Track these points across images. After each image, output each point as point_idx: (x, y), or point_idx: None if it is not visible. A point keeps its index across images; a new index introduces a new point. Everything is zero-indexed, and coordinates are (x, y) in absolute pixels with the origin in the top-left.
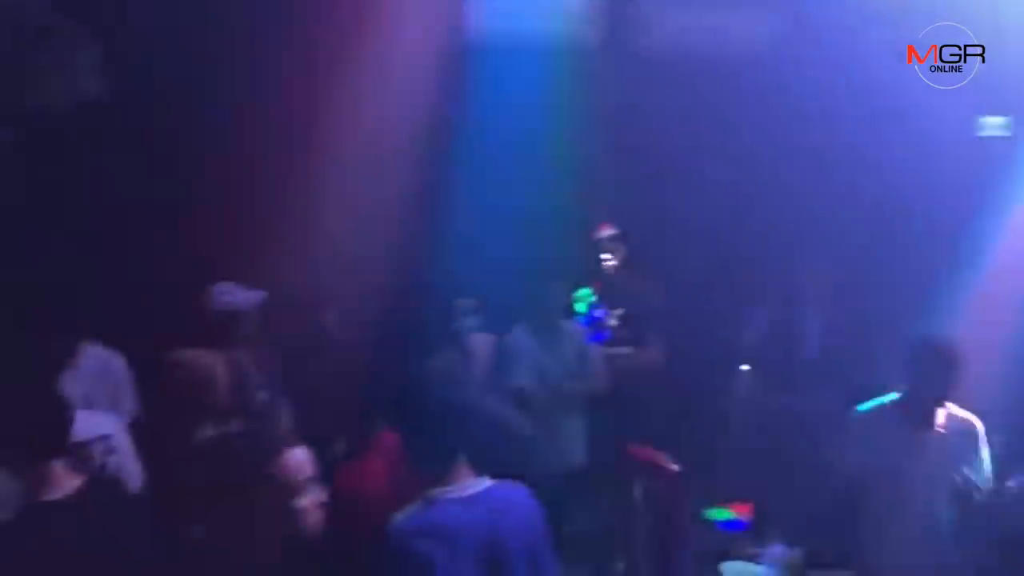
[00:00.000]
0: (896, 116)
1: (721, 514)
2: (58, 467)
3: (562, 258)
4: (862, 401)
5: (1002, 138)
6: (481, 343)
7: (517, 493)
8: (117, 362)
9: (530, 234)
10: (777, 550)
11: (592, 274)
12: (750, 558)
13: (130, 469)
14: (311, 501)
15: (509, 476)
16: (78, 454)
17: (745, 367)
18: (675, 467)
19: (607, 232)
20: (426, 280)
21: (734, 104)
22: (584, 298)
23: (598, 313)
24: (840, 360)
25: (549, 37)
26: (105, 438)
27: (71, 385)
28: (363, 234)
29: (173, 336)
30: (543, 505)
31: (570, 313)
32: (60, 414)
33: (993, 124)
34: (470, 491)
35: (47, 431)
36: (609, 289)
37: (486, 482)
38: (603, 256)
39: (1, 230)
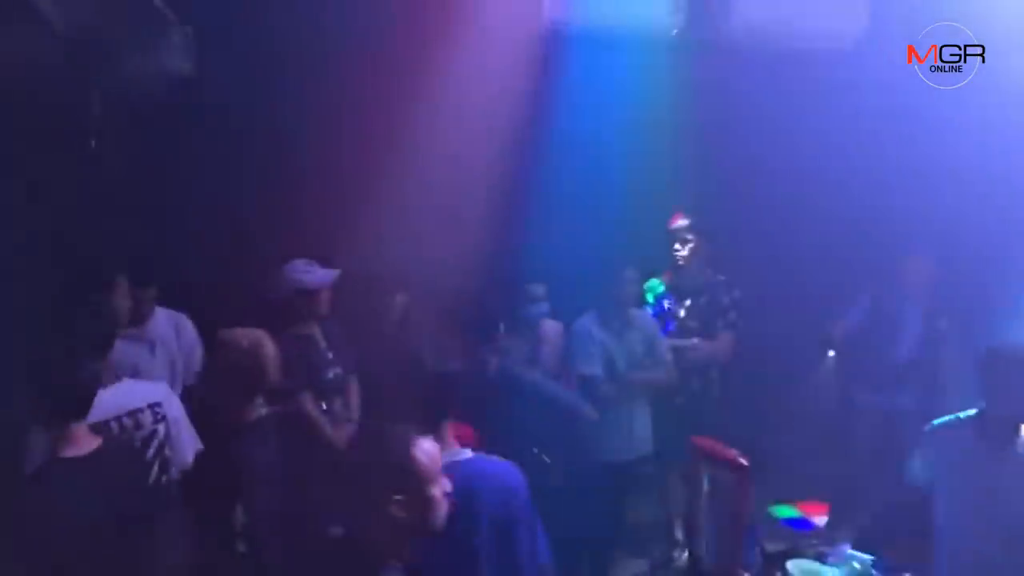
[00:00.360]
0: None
1: (788, 512)
2: (80, 429)
3: (636, 248)
4: (947, 406)
5: None
6: (551, 330)
7: (496, 466)
8: (186, 326)
9: (606, 223)
10: (845, 551)
11: (664, 264)
12: (818, 557)
13: (183, 437)
14: (440, 491)
15: (575, 462)
16: (128, 421)
17: (831, 355)
18: (743, 460)
19: (680, 222)
20: (499, 266)
21: (822, 95)
22: (653, 288)
23: (667, 304)
24: (934, 363)
25: (633, 28)
26: (155, 406)
27: (133, 347)
28: (440, 219)
29: (247, 312)
30: (608, 493)
31: (641, 303)
32: (83, 382)
33: None
34: (448, 459)
35: (69, 396)
36: (680, 280)
37: (467, 452)
38: (676, 247)
39: (90, 199)
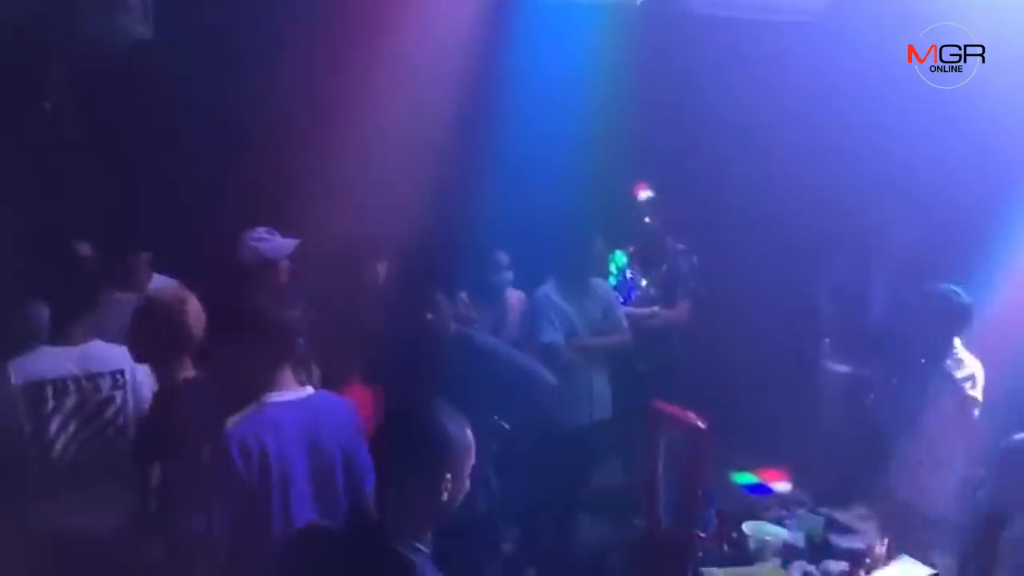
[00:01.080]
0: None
1: (748, 478)
2: None
3: (597, 217)
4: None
5: None
6: (514, 298)
7: (336, 401)
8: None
9: (566, 192)
10: (802, 514)
11: (628, 235)
12: (775, 520)
13: (140, 407)
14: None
15: (536, 427)
16: (87, 384)
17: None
18: (701, 424)
19: (644, 193)
20: (463, 234)
21: (785, 67)
22: (617, 260)
23: (629, 274)
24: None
25: None
26: (117, 373)
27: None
28: (402, 186)
29: (209, 281)
30: (569, 457)
31: (601, 271)
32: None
33: None
34: (294, 396)
35: None
36: (641, 249)
37: (309, 390)
38: (640, 217)
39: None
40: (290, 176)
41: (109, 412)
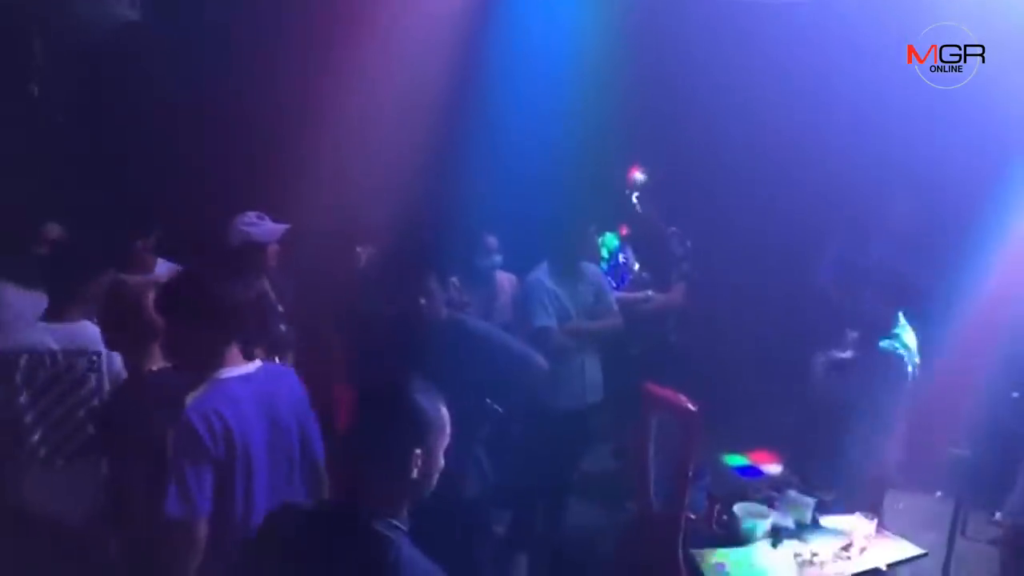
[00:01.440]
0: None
1: (739, 460)
2: None
3: (590, 202)
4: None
5: None
6: (505, 281)
7: (285, 372)
8: None
9: (558, 177)
10: (792, 495)
11: (620, 218)
12: (765, 502)
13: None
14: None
15: (528, 410)
16: (62, 361)
17: None
18: (692, 406)
19: (636, 176)
20: (454, 217)
21: (781, 47)
22: (608, 243)
23: (622, 258)
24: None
25: None
26: (94, 355)
27: None
28: (391, 170)
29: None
30: (561, 441)
31: (593, 256)
32: None
33: None
34: (246, 370)
35: None
36: (634, 233)
37: (257, 363)
38: (632, 199)
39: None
40: (281, 161)
41: (83, 392)
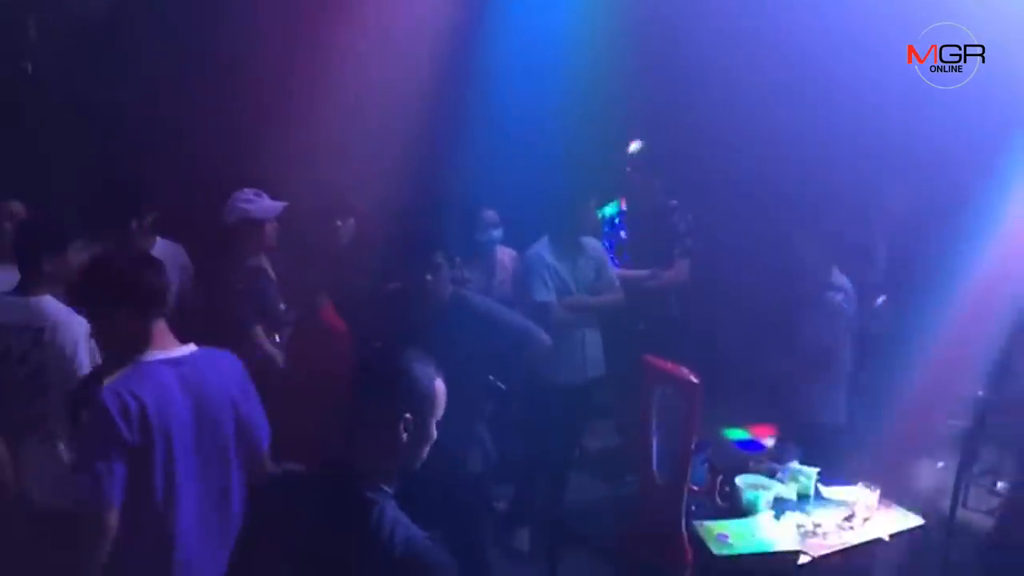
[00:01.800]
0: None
1: (740, 434)
2: None
3: (589, 174)
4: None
5: None
6: (505, 256)
7: (222, 356)
8: (182, 258)
9: (557, 150)
10: (794, 467)
11: (620, 190)
12: (767, 473)
13: (66, 368)
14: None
15: (530, 386)
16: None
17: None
18: (693, 378)
19: (635, 146)
20: (452, 192)
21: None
22: (609, 210)
23: (623, 234)
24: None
25: None
26: (39, 331)
27: None
28: (388, 145)
29: (198, 243)
30: (563, 415)
31: (593, 230)
32: None
33: None
34: (176, 354)
35: None
36: (634, 206)
37: (191, 347)
38: (631, 171)
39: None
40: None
41: (26, 368)
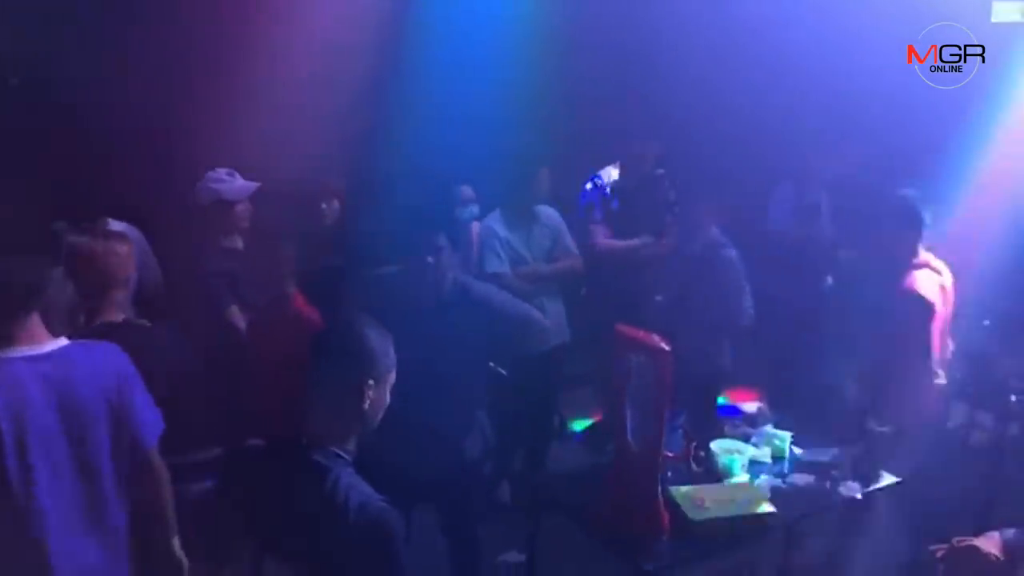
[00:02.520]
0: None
1: (719, 400)
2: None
3: (540, 143)
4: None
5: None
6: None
7: (98, 349)
8: (136, 235)
9: (507, 119)
10: (766, 430)
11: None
12: (743, 438)
13: None
14: None
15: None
16: None
17: None
18: (664, 345)
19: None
20: (421, 170)
21: None
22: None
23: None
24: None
25: None
26: None
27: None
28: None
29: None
30: (528, 383)
31: (547, 199)
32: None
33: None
34: (41, 350)
35: None
36: (623, 175)
37: (62, 341)
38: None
39: None
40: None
41: None
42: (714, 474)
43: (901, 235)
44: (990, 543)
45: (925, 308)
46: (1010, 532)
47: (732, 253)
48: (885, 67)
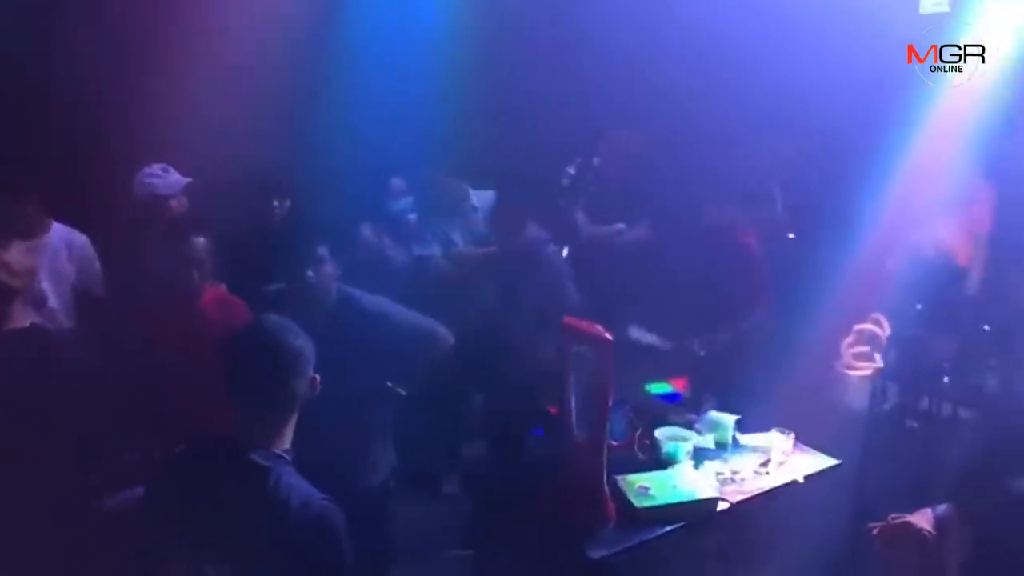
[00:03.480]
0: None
1: (660, 388)
2: None
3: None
4: None
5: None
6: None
7: None
8: (80, 241)
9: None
10: (711, 416)
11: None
12: (686, 424)
13: None
14: None
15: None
16: None
17: None
18: (607, 335)
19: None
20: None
21: None
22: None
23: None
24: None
25: None
26: None
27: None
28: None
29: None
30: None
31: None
32: None
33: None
34: None
35: None
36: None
37: None
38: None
39: None
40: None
41: None
42: (659, 461)
43: None
44: (923, 519)
45: None
46: (941, 508)
47: (551, 248)
48: (814, 58)
